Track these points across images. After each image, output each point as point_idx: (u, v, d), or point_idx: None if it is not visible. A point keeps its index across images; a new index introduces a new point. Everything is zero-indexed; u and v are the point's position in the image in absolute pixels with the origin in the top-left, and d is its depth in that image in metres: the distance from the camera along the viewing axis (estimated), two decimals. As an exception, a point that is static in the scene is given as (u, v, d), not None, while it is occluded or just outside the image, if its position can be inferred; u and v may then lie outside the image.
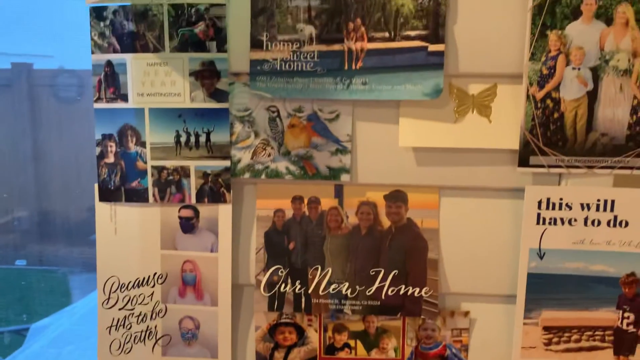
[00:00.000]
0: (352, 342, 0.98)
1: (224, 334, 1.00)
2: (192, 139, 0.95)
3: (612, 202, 0.89)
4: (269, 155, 0.95)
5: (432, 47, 0.88)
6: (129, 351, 1.01)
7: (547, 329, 0.93)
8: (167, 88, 0.94)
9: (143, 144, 0.96)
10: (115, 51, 0.94)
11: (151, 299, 1.00)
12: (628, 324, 0.92)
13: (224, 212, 0.97)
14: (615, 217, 0.90)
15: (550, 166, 0.89)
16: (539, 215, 0.91)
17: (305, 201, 0.96)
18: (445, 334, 0.97)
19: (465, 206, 0.94)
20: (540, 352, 0.94)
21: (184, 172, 0.96)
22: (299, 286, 0.97)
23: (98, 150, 0.97)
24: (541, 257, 0.92)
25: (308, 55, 0.90)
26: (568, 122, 0.88)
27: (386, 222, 0.95)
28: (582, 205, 0.90)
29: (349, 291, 0.96)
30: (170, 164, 0.96)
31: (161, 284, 1.00)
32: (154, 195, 0.97)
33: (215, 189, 0.96)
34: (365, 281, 0.96)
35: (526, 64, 0.87)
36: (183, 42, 0.92)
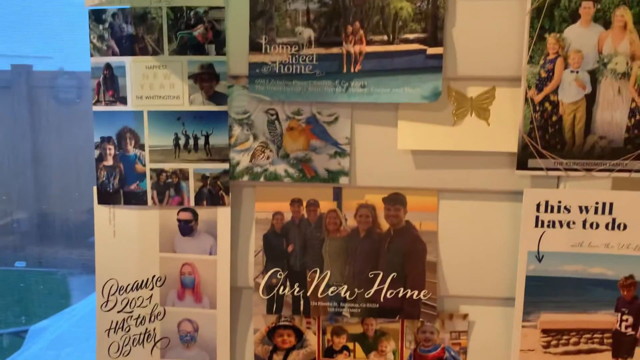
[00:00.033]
0: (350, 345, 0.98)
1: (223, 336, 1.00)
2: (191, 141, 0.95)
3: (611, 204, 0.89)
4: (268, 158, 0.95)
5: (431, 50, 0.88)
6: (128, 354, 1.01)
7: (545, 331, 0.93)
8: (166, 91, 0.94)
9: (142, 147, 0.96)
10: (114, 54, 0.94)
11: (150, 302, 1.00)
12: (626, 327, 0.92)
13: (222, 215, 0.97)
14: (614, 220, 0.90)
15: (548, 169, 0.89)
16: (537, 218, 0.91)
17: (304, 204, 0.96)
18: (444, 336, 0.97)
19: (463, 209, 0.94)
20: (539, 354, 0.94)
21: (183, 174, 0.96)
22: (297, 289, 0.97)
23: (97, 153, 0.97)
24: (540, 260, 0.92)
25: (307, 58, 0.90)
26: (566, 125, 0.88)
27: (385, 225, 0.95)
28: (580, 208, 0.90)
29: (347, 294, 0.96)
30: (169, 166, 0.96)
31: (160, 286, 1.00)
32: (152, 198, 0.97)
33: (214, 192, 0.96)
34: (364, 284, 0.96)
35: (524, 67, 0.87)
36: (182, 45, 0.93)
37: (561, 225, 0.90)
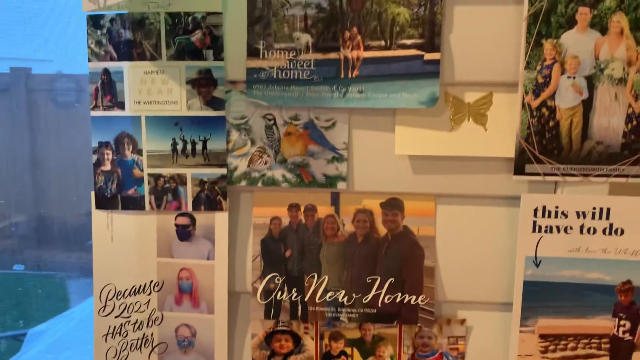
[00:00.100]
0: (348, 350, 0.98)
1: (221, 341, 0.99)
2: (189, 146, 0.95)
3: (608, 210, 0.90)
4: (266, 163, 0.95)
5: (428, 56, 0.88)
6: (125, 359, 1.01)
7: (543, 336, 0.93)
8: (163, 96, 0.94)
9: (140, 152, 0.96)
10: (112, 59, 0.94)
11: (147, 307, 1.00)
12: (624, 332, 0.92)
13: (220, 220, 0.97)
14: (611, 225, 0.90)
15: (546, 174, 0.89)
16: (534, 223, 0.91)
17: (302, 209, 0.96)
18: (441, 341, 0.97)
19: (461, 214, 0.94)
20: (537, 360, 0.94)
21: (181, 179, 0.96)
22: (295, 294, 0.97)
23: (95, 158, 0.97)
24: (537, 265, 0.92)
25: (304, 64, 0.90)
26: (563, 131, 0.88)
27: (382, 230, 0.95)
28: (577, 213, 0.90)
29: (345, 299, 0.96)
30: (166, 171, 0.96)
31: (157, 291, 1.00)
32: (150, 203, 0.97)
33: (211, 197, 0.96)
34: (362, 289, 0.96)
35: (522, 73, 0.87)
36: (180, 50, 0.93)
37: (558, 231, 0.91)
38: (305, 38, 0.90)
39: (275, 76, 0.91)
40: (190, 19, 0.92)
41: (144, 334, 1.01)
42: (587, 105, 0.87)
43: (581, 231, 0.90)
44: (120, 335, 1.01)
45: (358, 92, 0.90)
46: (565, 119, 0.88)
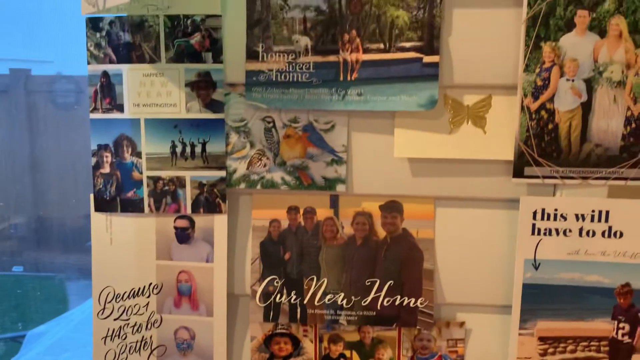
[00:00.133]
0: (347, 353, 0.98)
1: (220, 344, 0.99)
2: (188, 149, 0.95)
3: (607, 212, 0.90)
4: (265, 165, 0.95)
5: (427, 59, 0.88)
6: (124, 362, 1.01)
7: (542, 339, 0.93)
8: (163, 99, 0.94)
9: (139, 155, 0.96)
10: (111, 62, 0.95)
11: (146, 309, 1.00)
12: (623, 335, 0.92)
13: (219, 223, 0.97)
14: (610, 228, 0.90)
15: (545, 177, 0.89)
16: (534, 225, 0.91)
17: (301, 211, 0.96)
18: (440, 344, 0.97)
19: (460, 216, 0.94)
20: (536, 362, 0.94)
21: (180, 182, 0.96)
22: (294, 296, 0.97)
23: (94, 160, 0.97)
24: (536, 268, 0.92)
25: (303, 66, 0.90)
26: (562, 133, 0.88)
27: (382, 233, 0.95)
28: (576, 216, 0.90)
29: (344, 302, 0.96)
30: (165, 174, 0.96)
31: (156, 294, 1.00)
32: (149, 205, 0.97)
33: (210, 200, 0.96)
34: (361, 292, 0.95)
35: (520, 76, 0.87)
36: (179, 53, 0.93)
37: (557, 233, 0.91)
38: (305, 41, 0.90)
39: (274, 79, 0.91)
40: (189, 21, 0.92)
41: (143, 337, 1.01)
42: (586, 108, 0.87)
43: (580, 234, 0.90)
44: (119, 337, 1.01)
45: (357, 94, 0.90)
46: (564, 122, 0.88)
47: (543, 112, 0.88)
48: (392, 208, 0.95)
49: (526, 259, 0.92)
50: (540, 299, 0.92)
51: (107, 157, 0.97)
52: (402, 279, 0.95)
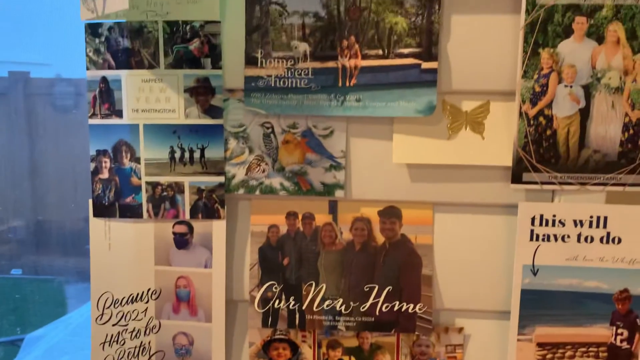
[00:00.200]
0: (346, 358, 0.98)
1: (218, 350, 0.99)
2: (187, 155, 0.95)
3: (605, 218, 0.90)
4: (264, 171, 0.95)
5: (426, 65, 0.88)
6: (123, 367, 1.01)
7: (541, 345, 0.93)
8: (161, 104, 0.94)
9: (137, 160, 0.96)
10: (110, 67, 0.95)
11: (145, 315, 1.00)
12: (622, 340, 0.92)
13: (218, 228, 0.97)
14: (608, 234, 0.90)
15: (543, 183, 0.89)
16: (532, 231, 0.91)
17: (300, 217, 0.96)
18: (439, 350, 0.97)
19: (459, 222, 0.94)
20: (535, 368, 0.94)
21: (178, 188, 0.96)
22: (293, 302, 0.97)
23: (92, 166, 0.97)
24: (535, 274, 0.92)
25: (302, 72, 0.91)
26: (561, 139, 0.88)
27: (380, 238, 0.95)
28: (575, 221, 0.90)
29: (343, 307, 0.96)
30: (164, 179, 0.96)
31: (155, 299, 1.00)
32: (148, 211, 0.97)
33: (209, 205, 0.96)
34: (360, 297, 0.96)
35: (519, 82, 0.87)
36: (178, 58, 0.93)
37: (556, 239, 0.91)
38: (303, 47, 0.90)
39: (273, 84, 0.91)
40: (188, 27, 0.92)
41: (142, 342, 1.01)
42: (584, 114, 0.87)
43: (578, 240, 0.90)
44: (117, 343, 1.00)
45: (356, 100, 0.90)
46: (563, 128, 0.88)
47: (541, 118, 0.88)
48: (390, 214, 0.95)
49: (525, 264, 0.92)
50: (538, 304, 0.92)
51: (106, 163, 0.97)
52: (401, 285, 0.95)
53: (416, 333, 0.96)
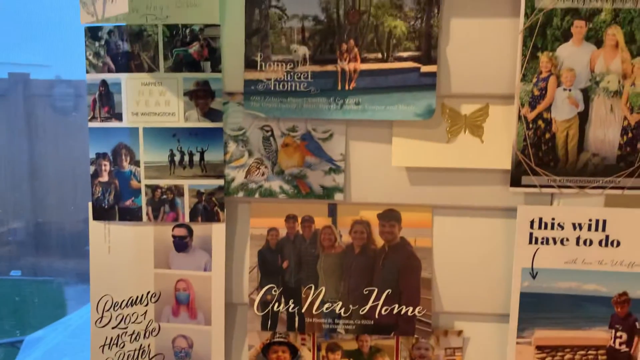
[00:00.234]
0: (345, 361, 0.98)
1: (218, 352, 0.99)
2: (186, 158, 0.95)
3: (604, 221, 0.90)
4: (263, 174, 0.96)
5: (425, 68, 0.88)
6: (122, 370, 1.01)
7: (540, 348, 0.94)
8: (161, 107, 0.94)
9: (137, 163, 0.96)
10: (110, 71, 0.95)
11: (144, 318, 1.00)
12: (621, 344, 0.93)
13: (217, 231, 0.97)
14: (607, 237, 0.90)
15: (542, 186, 0.90)
16: (531, 234, 0.91)
17: (299, 220, 0.96)
18: (438, 353, 0.97)
19: (458, 225, 0.95)
20: (534, 371, 0.94)
21: (178, 191, 0.96)
22: (292, 305, 0.97)
23: (92, 169, 0.98)
24: (534, 277, 0.92)
25: (302, 76, 0.91)
26: (559, 143, 0.89)
27: (380, 241, 0.95)
28: (574, 225, 0.90)
29: (342, 310, 0.96)
30: (164, 183, 0.96)
31: (154, 302, 1.00)
32: (147, 214, 0.97)
33: (209, 208, 0.96)
34: (359, 300, 0.96)
35: (518, 85, 0.88)
36: (177, 62, 0.93)
37: (555, 242, 0.91)
38: (303, 50, 0.91)
39: (272, 88, 0.91)
40: (188, 31, 0.92)
41: (141, 345, 1.01)
42: (583, 117, 0.88)
43: (577, 243, 0.91)
44: (117, 346, 1.00)
45: (355, 104, 0.90)
46: (561, 131, 0.88)
47: (540, 122, 0.88)
48: (390, 217, 0.95)
49: (524, 267, 0.92)
50: (537, 307, 0.92)
51: (106, 166, 0.97)
52: (400, 288, 0.95)
53: (415, 336, 0.96)
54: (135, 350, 1.01)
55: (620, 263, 0.90)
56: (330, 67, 0.90)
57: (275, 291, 0.97)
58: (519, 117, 0.88)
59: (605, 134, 0.88)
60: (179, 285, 0.99)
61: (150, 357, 1.01)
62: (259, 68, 0.92)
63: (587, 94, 0.87)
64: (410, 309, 0.95)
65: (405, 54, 0.88)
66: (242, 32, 0.91)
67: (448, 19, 0.89)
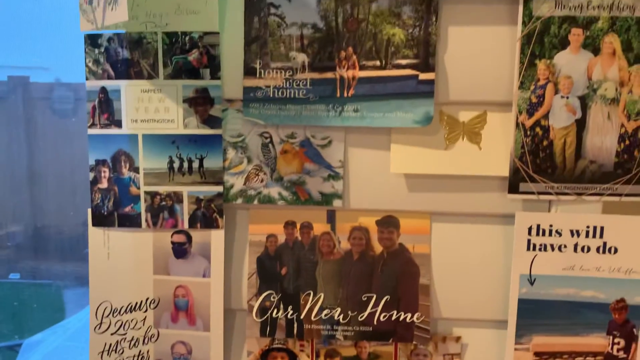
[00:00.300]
0: (344, 368, 0.98)
1: (216, 359, 0.99)
2: (185, 164, 0.96)
3: (602, 228, 0.90)
4: (262, 180, 0.96)
5: (423, 76, 0.89)
6: (121, 376, 1.01)
7: (538, 354, 0.94)
8: (160, 114, 0.95)
9: (136, 170, 0.96)
10: (109, 78, 0.95)
11: (143, 324, 1.00)
12: (618, 350, 0.93)
13: (216, 238, 0.97)
14: (605, 244, 0.90)
15: (540, 193, 0.90)
16: (529, 241, 0.91)
17: (298, 226, 0.97)
18: (437, 359, 0.97)
19: (456, 232, 0.95)
20: (532, 377, 0.94)
21: (177, 197, 0.97)
22: (291, 311, 0.97)
23: (92, 175, 0.98)
24: (532, 283, 0.92)
25: (301, 83, 0.91)
26: (557, 150, 0.89)
27: (378, 248, 0.96)
28: (571, 231, 0.91)
29: (341, 317, 0.96)
30: (163, 189, 0.97)
31: (153, 309, 1.00)
32: (146, 220, 0.97)
33: (207, 215, 0.96)
34: (357, 307, 0.96)
35: (515, 93, 0.88)
36: (177, 69, 0.93)
37: (553, 249, 0.91)
38: (302, 57, 0.91)
39: (271, 95, 0.92)
40: (187, 38, 0.93)
41: (140, 351, 1.01)
42: (581, 124, 0.88)
43: (575, 249, 0.91)
44: (116, 352, 1.01)
45: (354, 111, 0.91)
46: (559, 139, 0.89)
47: (538, 129, 0.89)
48: (388, 223, 0.95)
49: (522, 274, 0.92)
50: (535, 314, 0.93)
51: (105, 172, 0.97)
52: (399, 294, 0.95)
53: (414, 342, 0.96)
54: (134, 356, 1.01)
55: (618, 270, 0.91)
56: (329, 75, 0.90)
57: (274, 297, 0.97)
58: (517, 124, 0.89)
59: (603, 141, 0.88)
60: (178, 291, 0.99)
61: (149, 363, 1.01)
62: (258, 75, 0.92)
63: (584, 102, 0.87)
64: (409, 315, 0.95)
65: (403, 62, 0.89)
66: (241, 39, 0.92)
67: (446, 27, 0.89)
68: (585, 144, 0.89)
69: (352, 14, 0.89)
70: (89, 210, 0.99)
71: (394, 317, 0.95)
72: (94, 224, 0.99)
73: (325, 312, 0.96)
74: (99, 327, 1.00)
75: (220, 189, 0.96)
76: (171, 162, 0.96)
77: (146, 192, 0.97)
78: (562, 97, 0.88)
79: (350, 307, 0.96)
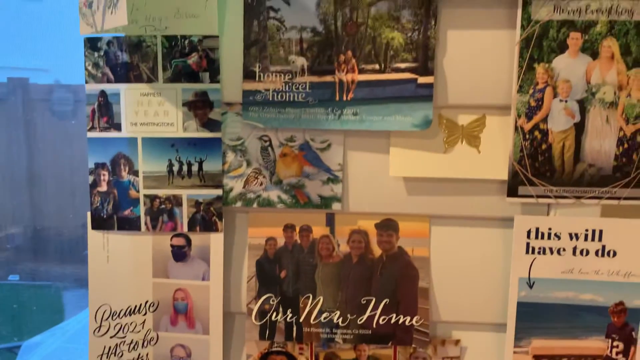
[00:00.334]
0: (343, 371, 0.98)
1: (216, 362, 1.00)
2: (185, 168, 0.96)
3: (600, 232, 0.90)
4: (261, 184, 0.96)
5: (422, 79, 0.89)
6: (120, 379, 1.01)
7: (537, 357, 0.94)
8: (160, 118, 0.95)
9: (136, 173, 0.96)
10: (109, 81, 0.95)
11: (143, 327, 1.00)
12: (617, 353, 0.93)
13: (215, 241, 0.97)
14: (604, 247, 0.91)
15: (538, 196, 0.90)
16: (528, 244, 0.91)
17: (297, 229, 0.97)
18: (436, 362, 0.97)
19: (455, 235, 0.95)
20: (531, 380, 0.94)
21: (176, 200, 0.97)
22: (290, 315, 0.97)
23: (91, 178, 0.98)
24: (531, 286, 0.92)
25: (300, 86, 0.91)
26: (556, 153, 0.89)
27: (377, 251, 0.96)
28: (570, 235, 0.91)
29: (340, 320, 0.96)
30: (162, 192, 0.97)
31: (153, 312, 1.00)
32: (146, 223, 0.97)
33: (207, 218, 0.97)
34: (357, 310, 0.96)
35: (514, 96, 0.88)
36: (176, 72, 0.94)
37: (552, 252, 0.91)
38: (301, 61, 0.91)
39: (271, 98, 0.92)
40: (186, 42, 0.93)
41: (139, 354, 1.01)
42: (579, 128, 0.88)
43: (574, 253, 0.91)
44: (115, 355, 1.01)
45: (353, 114, 0.91)
46: (558, 142, 0.89)
47: (537, 133, 0.89)
48: (387, 226, 0.95)
49: (521, 277, 0.92)
50: (534, 317, 0.93)
51: (105, 176, 0.97)
52: (398, 297, 0.95)
53: (413, 345, 0.96)
54: (133, 359, 1.01)
55: (617, 273, 0.91)
56: (328, 78, 0.91)
57: (273, 300, 0.98)
58: (516, 128, 0.89)
59: (601, 144, 0.88)
60: (177, 294, 0.99)
61: (149, 366, 1.01)
62: (257, 79, 0.92)
63: (583, 105, 0.88)
64: (408, 318, 0.95)
65: (402, 65, 0.89)
66: (240, 43, 0.92)
67: (445, 31, 0.89)
68: (584, 147, 0.89)
69: (352, 18, 0.89)
70: (89, 214, 0.99)
71: (393, 320, 0.95)
72: (93, 227, 0.99)
73: (324, 315, 0.96)
74: (98, 330, 1.00)
75: (219, 192, 0.96)
76: (170, 165, 0.96)
77: (145, 196, 0.97)
78: (560, 100, 0.88)
79: (350, 310, 0.96)
